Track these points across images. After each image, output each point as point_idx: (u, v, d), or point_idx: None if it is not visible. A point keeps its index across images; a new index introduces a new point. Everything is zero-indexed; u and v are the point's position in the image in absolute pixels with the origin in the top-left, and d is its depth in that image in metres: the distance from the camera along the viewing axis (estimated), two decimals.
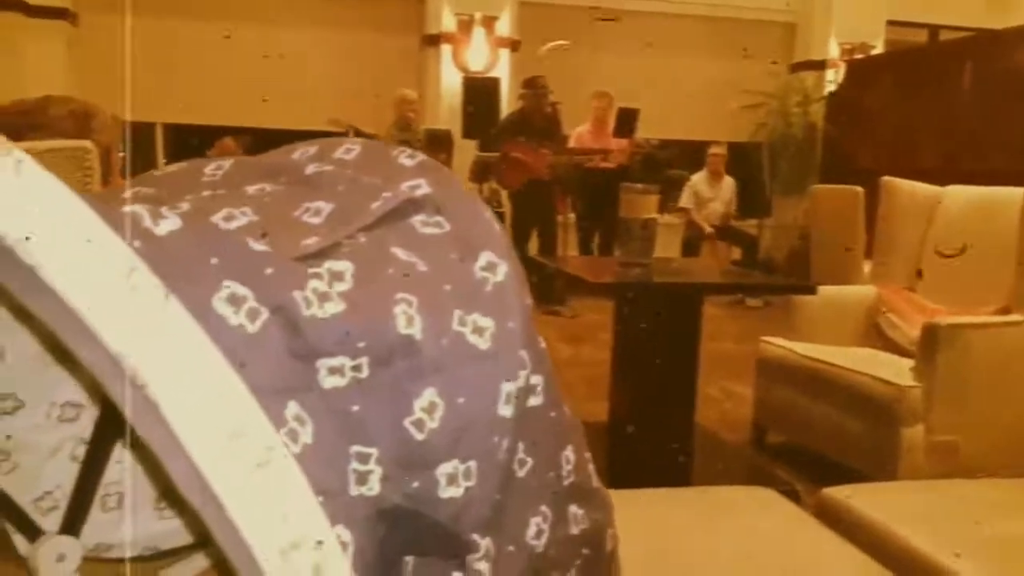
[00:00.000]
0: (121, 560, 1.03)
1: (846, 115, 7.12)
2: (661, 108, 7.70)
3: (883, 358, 3.34)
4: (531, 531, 0.73)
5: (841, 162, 6.76)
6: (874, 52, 8.38)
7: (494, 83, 7.77)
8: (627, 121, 6.71)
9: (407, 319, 0.66)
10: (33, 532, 0.97)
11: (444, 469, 0.65)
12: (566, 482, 0.79)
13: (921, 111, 6.36)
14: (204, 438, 0.49)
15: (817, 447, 3.39)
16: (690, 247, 7.38)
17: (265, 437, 0.51)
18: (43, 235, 0.47)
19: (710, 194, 7.55)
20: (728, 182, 7.59)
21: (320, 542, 0.48)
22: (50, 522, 0.99)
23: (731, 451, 3.50)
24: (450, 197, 0.76)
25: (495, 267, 0.73)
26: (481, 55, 8.21)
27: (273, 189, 0.80)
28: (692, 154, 7.87)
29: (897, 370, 3.11)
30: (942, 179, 3.72)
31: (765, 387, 3.57)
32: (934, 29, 8.85)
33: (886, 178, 3.81)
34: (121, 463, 1.01)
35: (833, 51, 8.54)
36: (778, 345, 3.49)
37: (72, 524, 1.00)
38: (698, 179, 7.58)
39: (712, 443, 3.39)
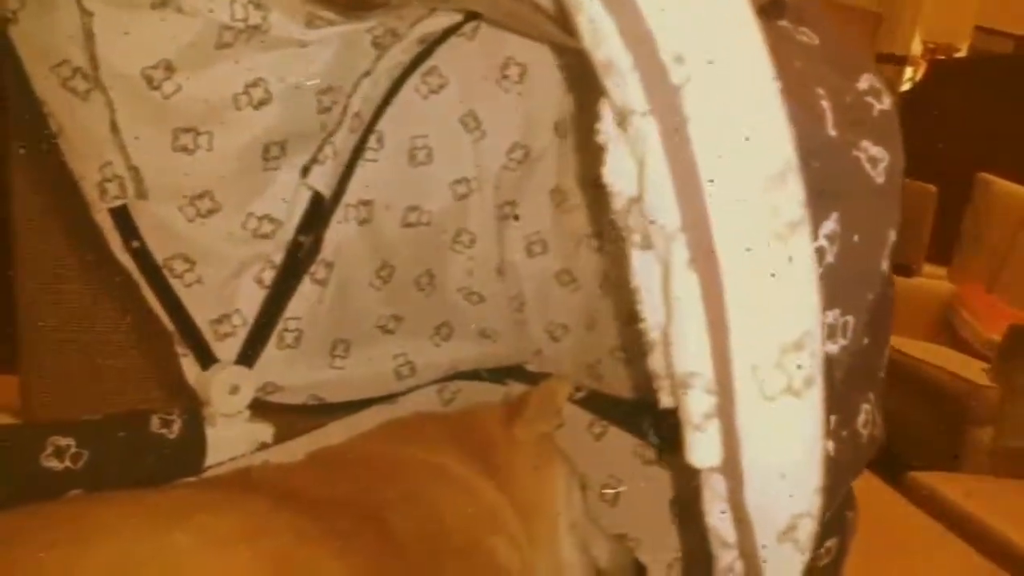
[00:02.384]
0: (286, 408, 0.93)
1: (924, 114, 6.93)
2: None
3: (955, 355, 3.23)
4: (860, 418, 0.62)
5: (914, 159, 6.59)
6: (958, 55, 8.13)
7: None
8: None
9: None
10: (206, 358, 0.87)
11: (826, 318, 0.54)
12: (881, 375, 0.67)
13: (1004, 119, 6.17)
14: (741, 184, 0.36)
15: None
16: None
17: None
18: None
19: None
20: None
21: (813, 356, 0.36)
22: (224, 350, 0.88)
23: None
24: (809, 10, 0.64)
25: (879, 93, 0.60)
26: None
27: None
28: None
29: (970, 369, 3.00)
30: None
31: None
32: (1020, 40, 8.59)
33: (982, 175, 3.66)
34: (306, 297, 0.91)
35: (916, 48, 8.29)
36: None
37: (248, 354, 0.89)
38: None
39: None
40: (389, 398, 1.04)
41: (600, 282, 1.02)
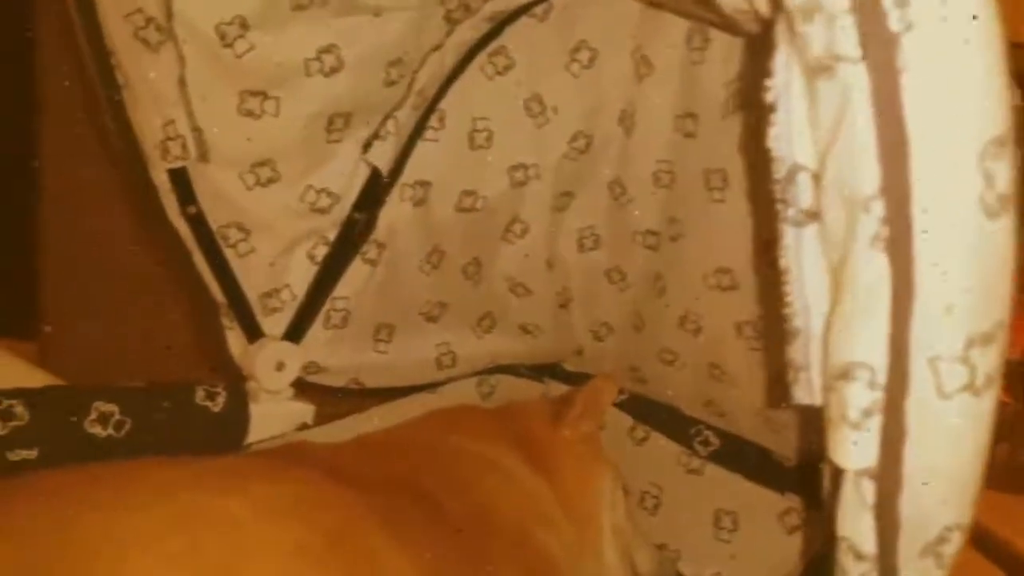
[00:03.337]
0: (326, 390, 0.90)
1: None
2: None
3: None
4: None
5: None
6: None
7: None
8: None
9: None
10: (253, 332, 0.84)
11: None
12: None
13: None
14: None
15: None
16: None
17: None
18: None
19: None
20: None
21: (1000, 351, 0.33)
22: (271, 325, 0.85)
23: None
24: None
25: None
26: None
27: None
28: None
29: None
30: None
31: None
32: None
33: None
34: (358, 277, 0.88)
35: None
36: None
37: (295, 331, 0.86)
38: None
39: None
40: (429, 387, 1.01)
41: (653, 282, 1.00)
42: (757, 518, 0.97)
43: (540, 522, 0.81)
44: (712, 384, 0.99)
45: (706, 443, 1.02)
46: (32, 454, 0.66)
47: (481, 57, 0.89)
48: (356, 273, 0.89)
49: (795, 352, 0.38)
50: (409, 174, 0.89)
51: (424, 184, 0.91)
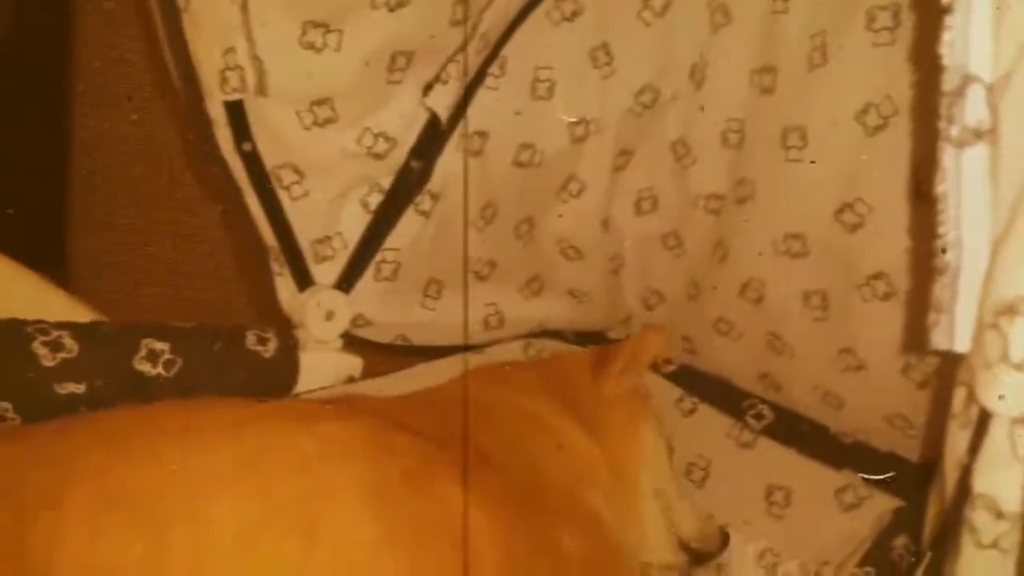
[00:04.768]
0: (371, 345, 0.87)
1: None
2: None
3: None
4: None
5: None
6: None
7: None
8: None
9: None
10: (304, 279, 0.81)
11: None
12: None
13: None
14: None
15: None
16: None
17: None
18: None
19: None
20: None
21: None
22: (322, 273, 0.82)
23: None
24: None
25: None
26: None
27: None
28: None
29: None
30: None
31: None
32: None
33: None
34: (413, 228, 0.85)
35: None
36: None
37: (346, 281, 0.84)
38: None
39: None
40: (475, 348, 0.98)
41: (713, 248, 0.96)
42: (812, 494, 0.94)
43: (586, 481, 0.78)
44: (770, 356, 0.95)
45: (759, 417, 0.98)
46: (80, 388, 0.63)
47: (548, 1, 0.86)
48: (409, 224, 0.86)
49: (941, 290, 0.35)
50: (468, 123, 0.86)
51: (482, 134, 0.88)
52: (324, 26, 0.71)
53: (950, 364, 0.39)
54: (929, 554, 0.65)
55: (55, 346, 0.63)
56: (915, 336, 0.76)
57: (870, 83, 0.77)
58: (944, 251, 0.35)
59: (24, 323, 0.64)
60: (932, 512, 0.75)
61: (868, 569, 0.69)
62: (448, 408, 0.74)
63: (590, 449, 0.82)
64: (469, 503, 0.55)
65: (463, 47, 0.80)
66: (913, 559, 0.75)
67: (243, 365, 0.72)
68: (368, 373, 0.86)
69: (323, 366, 0.80)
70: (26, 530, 0.48)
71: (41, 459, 0.52)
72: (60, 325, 0.64)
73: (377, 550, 0.55)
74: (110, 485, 0.49)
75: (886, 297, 0.84)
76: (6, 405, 0.65)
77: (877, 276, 0.84)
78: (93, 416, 0.56)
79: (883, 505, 0.92)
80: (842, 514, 0.93)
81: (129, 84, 1.34)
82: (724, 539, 0.91)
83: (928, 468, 0.92)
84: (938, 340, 0.36)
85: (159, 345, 0.67)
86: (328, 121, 0.77)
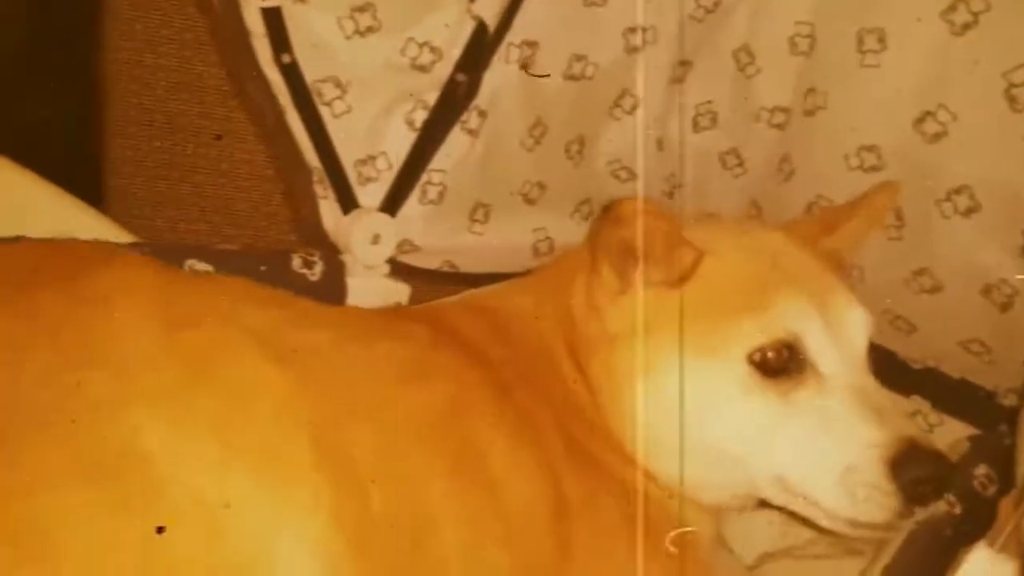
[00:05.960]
0: (417, 272, 0.84)
1: None
2: None
3: None
4: None
5: None
6: None
7: None
8: None
9: None
10: (348, 201, 0.77)
11: None
12: None
13: None
14: None
15: None
16: None
17: None
18: None
19: None
20: None
21: None
22: (366, 195, 0.79)
23: None
24: None
25: None
26: None
27: None
28: None
29: None
30: None
31: None
32: None
33: None
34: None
35: None
36: None
37: (392, 203, 0.80)
38: None
39: None
40: (524, 275, 0.95)
41: (778, 166, 0.91)
42: None
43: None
44: None
45: None
46: None
47: None
48: (455, 143, 0.82)
49: None
50: (516, 32, 0.80)
51: (531, 45, 0.82)
52: None
53: None
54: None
55: None
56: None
57: None
58: None
59: None
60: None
61: (950, 497, 0.65)
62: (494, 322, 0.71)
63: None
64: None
65: None
66: (996, 489, 0.71)
67: (289, 288, 0.69)
68: (415, 300, 0.84)
69: (370, 291, 0.77)
70: None
71: None
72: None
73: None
74: None
75: (968, 213, 0.79)
76: None
77: (959, 190, 0.79)
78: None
79: (956, 432, 0.89)
80: None
81: (160, 16, 1.31)
82: None
83: (1007, 395, 0.88)
84: None
85: (203, 266, 0.65)
86: (370, 30, 0.72)
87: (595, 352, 0.68)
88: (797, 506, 0.66)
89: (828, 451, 0.62)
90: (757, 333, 0.64)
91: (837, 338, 0.66)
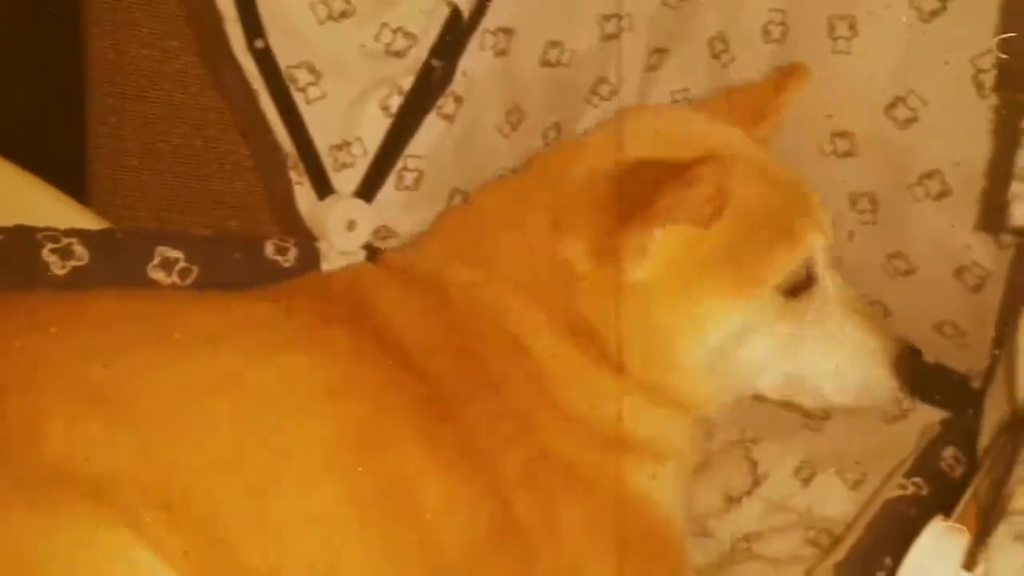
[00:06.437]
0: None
1: None
2: None
3: None
4: None
5: None
6: None
7: None
8: None
9: None
10: (324, 187, 0.78)
11: None
12: None
13: None
14: None
15: None
16: None
17: None
18: None
19: None
20: None
21: None
22: (341, 181, 0.79)
23: None
24: None
25: None
26: None
27: None
28: None
29: None
30: None
31: None
32: None
33: None
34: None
35: None
36: None
37: (367, 189, 0.80)
38: None
39: None
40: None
41: None
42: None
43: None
44: None
45: None
46: None
47: None
48: (431, 129, 0.82)
49: None
50: (492, 18, 0.80)
51: (507, 31, 0.83)
52: None
53: None
54: (986, 464, 0.62)
55: (65, 254, 0.61)
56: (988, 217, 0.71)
57: None
58: None
59: (33, 230, 0.62)
60: (988, 423, 0.72)
61: (916, 480, 0.66)
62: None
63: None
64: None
65: None
66: (963, 470, 0.72)
67: (262, 275, 0.69)
68: None
69: None
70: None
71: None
72: (70, 232, 0.62)
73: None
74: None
75: (939, 196, 0.80)
76: None
77: (930, 175, 0.80)
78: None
79: (929, 416, 0.90)
80: (887, 426, 0.90)
81: (141, 6, 1.31)
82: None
83: (977, 378, 0.89)
84: (1018, 216, 0.32)
85: (173, 253, 0.65)
86: (343, 15, 0.72)
87: (623, 303, 0.67)
88: (799, 400, 0.75)
89: (841, 357, 0.71)
90: (789, 262, 0.69)
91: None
